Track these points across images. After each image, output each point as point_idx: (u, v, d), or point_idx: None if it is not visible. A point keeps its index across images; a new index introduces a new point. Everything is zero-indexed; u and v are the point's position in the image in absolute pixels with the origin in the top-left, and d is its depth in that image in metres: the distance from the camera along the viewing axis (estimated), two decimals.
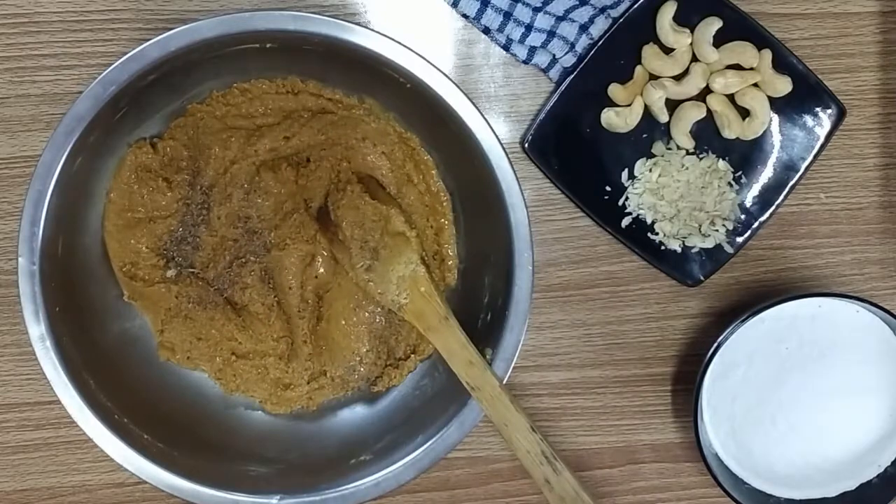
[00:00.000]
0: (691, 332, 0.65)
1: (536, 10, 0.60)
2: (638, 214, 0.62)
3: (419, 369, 0.62)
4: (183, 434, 0.58)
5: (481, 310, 0.59)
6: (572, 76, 0.60)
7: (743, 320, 0.58)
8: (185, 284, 0.60)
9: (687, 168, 0.61)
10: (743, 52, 0.60)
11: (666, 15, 0.59)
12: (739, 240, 0.62)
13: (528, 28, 0.60)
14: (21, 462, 0.64)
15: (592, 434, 0.65)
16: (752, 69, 0.60)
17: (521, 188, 0.54)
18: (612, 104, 0.61)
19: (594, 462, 0.65)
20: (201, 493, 0.55)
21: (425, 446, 0.56)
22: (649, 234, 0.62)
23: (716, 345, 0.58)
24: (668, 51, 0.60)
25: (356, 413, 0.62)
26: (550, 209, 0.63)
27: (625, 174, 0.62)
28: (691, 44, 0.60)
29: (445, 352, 0.56)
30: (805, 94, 0.61)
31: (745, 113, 0.61)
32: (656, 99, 0.60)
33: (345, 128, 0.59)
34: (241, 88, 0.58)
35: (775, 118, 0.61)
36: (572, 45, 0.60)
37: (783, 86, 0.60)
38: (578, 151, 0.62)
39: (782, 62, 0.60)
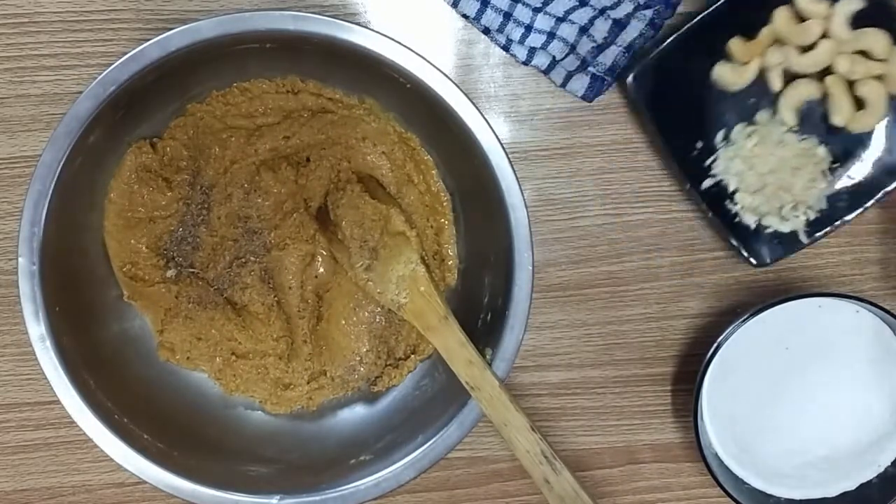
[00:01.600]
0: (691, 332, 0.65)
1: (536, 10, 0.60)
2: (721, 179, 0.60)
3: (419, 369, 0.62)
4: (183, 434, 0.58)
5: (481, 310, 0.59)
6: (694, 21, 0.58)
7: (743, 320, 0.58)
8: (185, 284, 0.60)
9: (785, 144, 0.59)
10: (877, 40, 0.57)
11: None
12: (818, 234, 0.60)
13: (528, 29, 0.60)
14: (21, 462, 0.64)
15: (592, 434, 0.65)
16: (881, 60, 0.57)
17: (521, 188, 0.54)
18: (728, 60, 0.59)
19: (594, 462, 0.65)
20: (201, 493, 0.55)
21: (425, 446, 0.56)
22: (727, 203, 0.60)
23: (716, 345, 0.58)
24: (800, 20, 0.58)
25: (356, 413, 0.62)
26: (550, 209, 0.63)
27: (720, 134, 0.60)
28: (826, 18, 0.57)
29: (445, 351, 0.56)
30: None
31: (860, 104, 0.58)
32: (776, 65, 0.58)
33: (345, 127, 0.59)
34: (240, 88, 0.58)
35: (889, 118, 0.59)
36: (573, 47, 0.60)
37: None
38: (680, 99, 0.60)
39: None
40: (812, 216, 0.60)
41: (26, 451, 0.64)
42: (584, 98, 0.62)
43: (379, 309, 0.60)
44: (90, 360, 0.56)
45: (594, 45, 0.60)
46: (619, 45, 0.60)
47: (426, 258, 0.59)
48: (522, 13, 0.60)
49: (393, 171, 0.60)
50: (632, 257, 0.64)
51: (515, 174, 0.54)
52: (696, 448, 0.59)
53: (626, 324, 0.65)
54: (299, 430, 0.61)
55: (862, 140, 0.59)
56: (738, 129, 0.60)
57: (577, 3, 0.60)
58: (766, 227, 0.60)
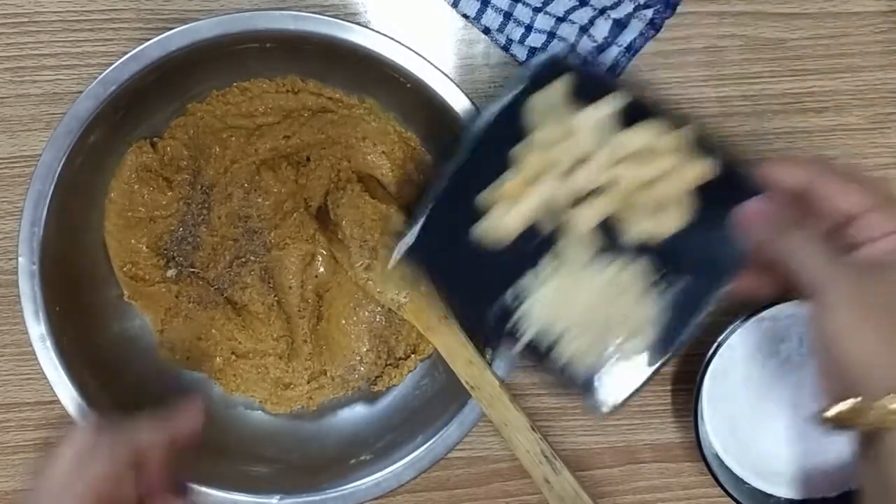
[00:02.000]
0: None
1: (537, 10, 0.60)
2: (531, 340, 0.51)
3: (419, 369, 0.62)
4: None
5: None
6: (442, 186, 0.51)
7: (743, 320, 0.58)
8: (185, 284, 0.60)
9: (593, 275, 0.50)
10: (653, 134, 0.49)
11: (559, 92, 0.50)
12: (663, 358, 0.50)
13: (529, 29, 0.60)
14: (21, 462, 0.64)
15: (592, 434, 0.65)
16: (664, 153, 0.49)
17: None
18: (488, 213, 0.50)
19: (594, 462, 0.65)
20: (201, 492, 0.55)
21: (425, 446, 0.56)
22: (552, 357, 0.51)
23: (716, 345, 0.58)
24: (559, 139, 0.50)
25: (356, 413, 0.62)
26: None
27: (511, 291, 0.50)
28: (587, 128, 0.49)
29: (445, 351, 0.56)
30: (729, 181, 0.49)
31: (661, 205, 0.50)
32: (545, 198, 0.50)
33: (345, 127, 0.59)
34: (241, 87, 0.59)
35: (694, 208, 0.49)
36: (573, 47, 0.60)
37: (702, 171, 0.49)
38: (456, 267, 0.51)
39: (702, 144, 0.49)
40: (651, 338, 0.50)
41: (26, 451, 0.64)
42: None
43: (379, 308, 0.60)
44: (90, 360, 0.56)
45: (594, 44, 0.60)
46: (620, 45, 0.60)
47: None
48: (523, 13, 0.60)
49: (393, 170, 0.60)
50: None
51: None
52: (697, 448, 0.59)
53: None
54: (299, 430, 0.61)
55: (677, 240, 0.50)
56: (531, 279, 0.51)
57: (578, 3, 0.60)
58: (600, 370, 0.50)
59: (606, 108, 0.50)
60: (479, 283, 0.51)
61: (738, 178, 0.49)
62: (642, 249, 0.50)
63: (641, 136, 0.50)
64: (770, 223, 0.46)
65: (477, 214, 0.50)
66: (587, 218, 0.50)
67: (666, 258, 0.50)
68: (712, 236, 0.49)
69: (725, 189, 0.49)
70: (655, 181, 0.49)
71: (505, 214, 0.50)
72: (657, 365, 0.50)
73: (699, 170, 0.49)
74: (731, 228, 0.48)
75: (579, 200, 0.50)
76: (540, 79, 0.51)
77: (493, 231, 0.50)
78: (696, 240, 0.50)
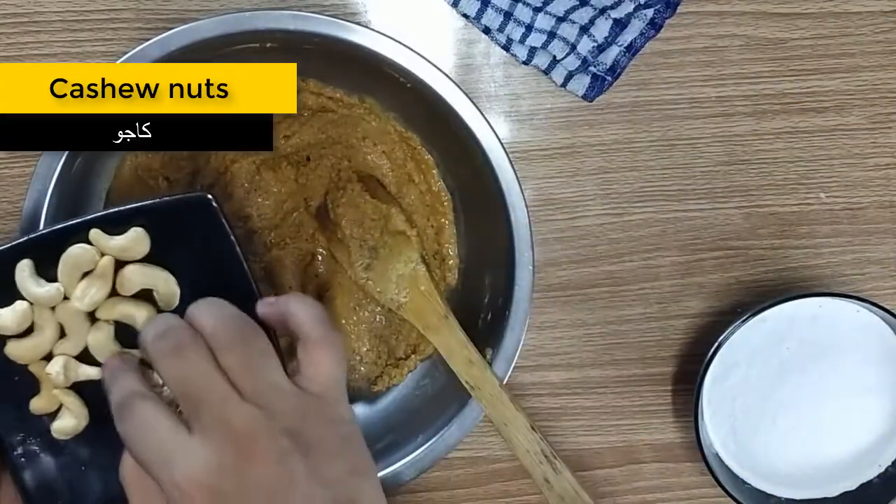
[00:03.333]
0: (692, 332, 0.65)
1: (537, 10, 0.60)
2: None
3: (419, 369, 0.62)
4: None
5: (482, 309, 0.59)
6: None
7: (743, 320, 0.58)
8: None
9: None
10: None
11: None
12: None
13: (529, 28, 0.60)
14: None
15: (593, 434, 0.65)
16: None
17: (521, 188, 0.54)
18: None
19: (595, 462, 0.65)
20: None
21: (425, 446, 0.56)
22: None
23: (716, 345, 0.58)
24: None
25: (356, 413, 0.62)
26: (551, 209, 0.63)
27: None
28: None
29: (445, 351, 0.56)
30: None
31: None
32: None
33: (345, 126, 0.59)
34: None
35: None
36: (573, 47, 0.60)
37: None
38: None
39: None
40: None
41: None
42: (584, 98, 0.62)
43: (379, 308, 0.60)
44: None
45: (595, 44, 0.60)
46: (620, 45, 0.60)
47: (426, 257, 0.59)
48: (523, 13, 0.60)
49: (393, 170, 0.60)
50: (632, 257, 0.64)
51: (516, 174, 0.54)
52: (697, 448, 0.59)
53: (627, 323, 0.65)
54: None
55: None
56: None
57: (578, 3, 0.60)
58: None
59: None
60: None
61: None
62: None
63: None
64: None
65: None
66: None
67: None
68: None
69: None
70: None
71: None
72: None
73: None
74: None
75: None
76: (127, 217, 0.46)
77: None
78: None
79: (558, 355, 0.64)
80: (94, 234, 0.46)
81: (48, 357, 0.46)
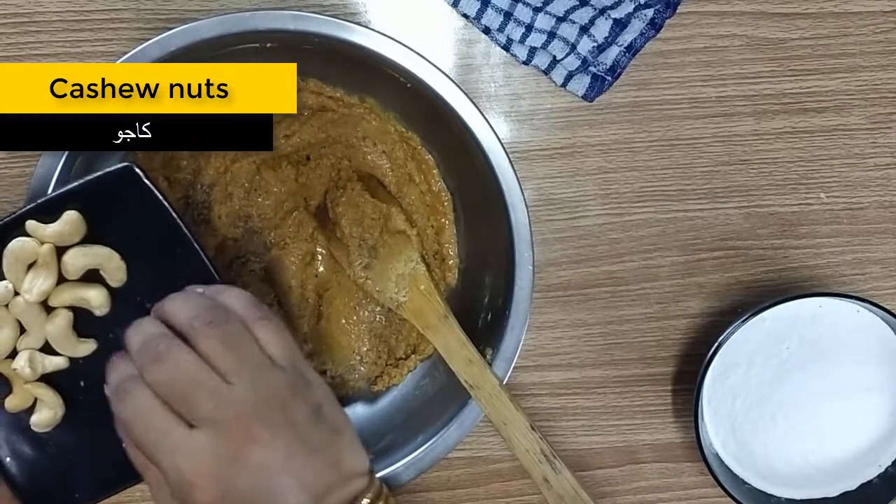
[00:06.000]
0: (692, 332, 0.65)
1: (537, 10, 0.60)
2: None
3: (419, 369, 0.62)
4: None
5: (482, 309, 0.59)
6: None
7: (743, 320, 0.58)
8: None
9: None
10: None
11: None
12: None
13: (529, 28, 0.60)
14: None
15: (593, 434, 0.65)
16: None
17: (521, 188, 0.54)
18: None
19: (595, 462, 0.65)
20: None
21: (425, 446, 0.56)
22: None
23: (716, 345, 0.58)
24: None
25: (356, 413, 0.62)
26: (551, 209, 0.63)
27: None
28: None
29: (444, 350, 0.56)
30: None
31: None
32: None
33: (345, 126, 0.59)
34: None
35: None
36: (573, 47, 0.60)
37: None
38: None
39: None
40: None
41: None
42: (584, 98, 0.62)
43: (379, 308, 0.60)
44: None
45: (595, 44, 0.60)
46: (620, 45, 0.60)
47: (426, 257, 0.59)
48: (523, 13, 0.60)
49: (393, 170, 0.60)
50: (632, 257, 0.64)
51: (516, 174, 0.54)
52: (697, 448, 0.59)
53: (627, 323, 0.65)
54: None
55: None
56: None
57: (578, 3, 0.60)
58: None
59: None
60: None
61: None
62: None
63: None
64: None
65: None
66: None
67: None
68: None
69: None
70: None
71: None
72: None
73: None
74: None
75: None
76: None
77: None
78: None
79: (558, 355, 0.64)
80: (31, 224, 0.46)
81: (13, 355, 0.47)
